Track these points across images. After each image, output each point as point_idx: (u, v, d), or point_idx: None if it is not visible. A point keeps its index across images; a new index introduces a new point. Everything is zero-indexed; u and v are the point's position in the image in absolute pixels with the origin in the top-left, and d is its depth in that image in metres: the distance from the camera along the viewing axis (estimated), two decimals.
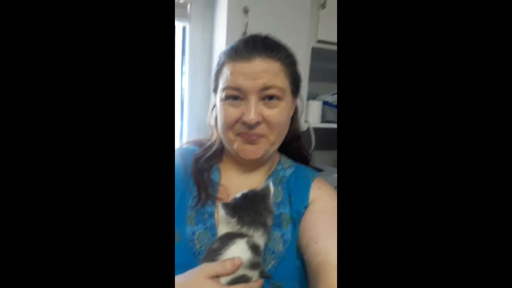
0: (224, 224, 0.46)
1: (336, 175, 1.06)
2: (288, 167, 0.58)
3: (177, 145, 0.62)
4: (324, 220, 0.47)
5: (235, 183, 0.55)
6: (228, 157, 0.57)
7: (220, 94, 0.51)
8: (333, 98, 1.23)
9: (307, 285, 0.47)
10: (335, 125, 1.16)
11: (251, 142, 0.49)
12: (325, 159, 1.42)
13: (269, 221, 0.46)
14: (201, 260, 0.44)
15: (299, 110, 0.59)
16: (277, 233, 0.50)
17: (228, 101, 0.49)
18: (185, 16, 1.15)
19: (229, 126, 0.50)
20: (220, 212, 0.45)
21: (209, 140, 0.59)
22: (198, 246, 0.48)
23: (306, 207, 0.52)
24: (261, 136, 0.49)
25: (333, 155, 1.44)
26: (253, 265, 0.42)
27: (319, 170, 0.64)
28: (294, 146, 0.61)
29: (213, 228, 0.50)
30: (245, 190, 0.48)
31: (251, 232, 0.43)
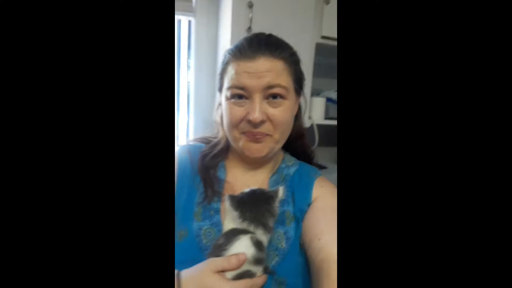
0: (229, 220, 0.47)
1: None
2: (292, 165, 0.59)
3: (184, 141, 0.62)
4: (326, 217, 0.48)
5: (240, 180, 0.56)
6: (234, 155, 0.58)
7: (225, 93, 0.51)
8: (336, 95, 1.23)
9: (310, 281, 0.48)
10: None
11: (256, 140, 0.50)
12: (329, 155, 1.42)
13: (270, 223, 0.46)
14: (207, 255, 0.46)
15: (303, 108, 0.60)
16: (280, 231, 0.51)
17: (233, 100, 0.50)
18: (191, 10, 1.15)
19: (234, 124, 0.50)
20: (226, 204, 0.46)
21: (215, 137, 0.60)
22: (204, 241, 0.49)
23: (309, 205, 0.53)
24: (266, 134, 0.50)
25: (336, 151, 1.44)
26: (257, 261, 0.43)
27: (322, 167, 0.65)
28: (298, 144, 0.62)
29: (219, 224, 0.51)
30: (254, 186, 0.49)
31: (252, 228, 0.45)
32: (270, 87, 0.48)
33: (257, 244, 0.44)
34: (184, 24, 1.17)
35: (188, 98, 1.19)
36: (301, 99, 0.57)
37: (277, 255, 0.49)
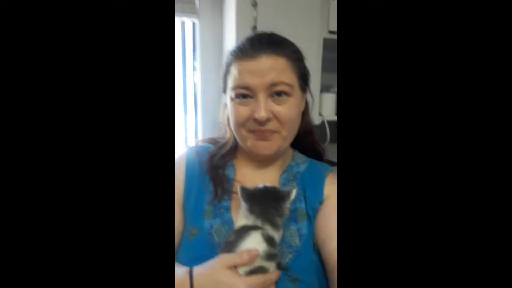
0: (241, 217, 0.48)
1: None
2: (302, 162, 0.59)
3: (192, 143, 0.63)
4: None
5: (250, 179, 0.56)
6: (242, 154, 0.58)
7: (229, 94, 0.52)
8: None
9: (325, 280, 0.48)
10: None
11: (264, 138, 0.50)
12: None
13: (278, 221, 0.46)
14: (219, 253, 0.46)
15: (310, 104, 0.59)
16: (293, 228, 0.51)
17: (238, 100, 0.50)
18: (194, 12, 1.16)
19: (241, 124, 0.51)
20: (239, 195, 0.47)
21: (223, 138, 0.61)
22: (216, 239, 0.50)
23: (321, 202, 0.52)
24: (274, 132, 0.50)
25: None
26: (269, 256, 0.44)
27: (333, 163, 0.65)
28: (307, 141, 0.62)
29: (230, 222, 0.51)
30: (268, 184, 0.49)
31: (259, 223, 0.45)
32: (274, 84, 0.48)
33: (269, 239, 0.44)
34: (188, 26, 1.18)
35: (195, 99, 1.20)
36: (308, 96, 0.57)
37: (290, 252, 0.49)
